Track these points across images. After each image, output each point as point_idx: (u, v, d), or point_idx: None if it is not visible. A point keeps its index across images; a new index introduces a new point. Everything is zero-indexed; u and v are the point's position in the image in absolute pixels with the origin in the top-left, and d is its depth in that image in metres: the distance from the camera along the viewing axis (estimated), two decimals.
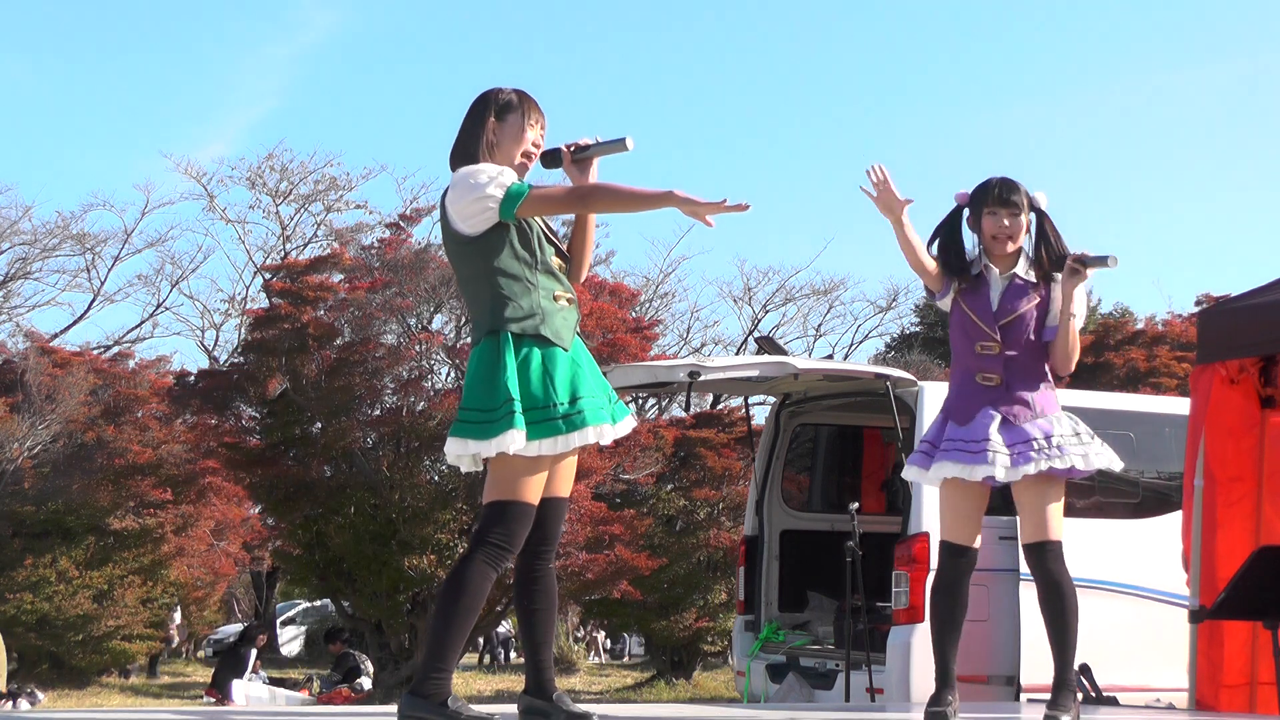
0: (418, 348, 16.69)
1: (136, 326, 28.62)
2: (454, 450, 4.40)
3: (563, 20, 49.60)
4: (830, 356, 29.47)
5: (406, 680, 16.27)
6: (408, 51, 50.54)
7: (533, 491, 4.47)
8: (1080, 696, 7.63)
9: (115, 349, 25.55)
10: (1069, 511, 8.93)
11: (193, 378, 19.52)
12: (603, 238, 28.00)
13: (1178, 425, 8.44)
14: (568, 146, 4.68)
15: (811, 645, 9.28)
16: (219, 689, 16.40)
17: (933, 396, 8.76)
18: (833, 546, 8.84)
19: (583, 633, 29.08)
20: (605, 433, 4.49)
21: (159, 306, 28.81)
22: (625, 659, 28.17)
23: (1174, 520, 8.43)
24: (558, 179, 4.75)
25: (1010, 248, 5.80)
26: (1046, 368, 5.82)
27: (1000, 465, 5.62)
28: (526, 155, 4.66)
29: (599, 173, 4.69)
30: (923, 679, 8.34)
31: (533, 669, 4.68)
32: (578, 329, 4.65)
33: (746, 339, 30.13)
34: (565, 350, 4.51)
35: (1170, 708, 7.86)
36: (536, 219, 4.57)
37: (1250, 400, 7.65)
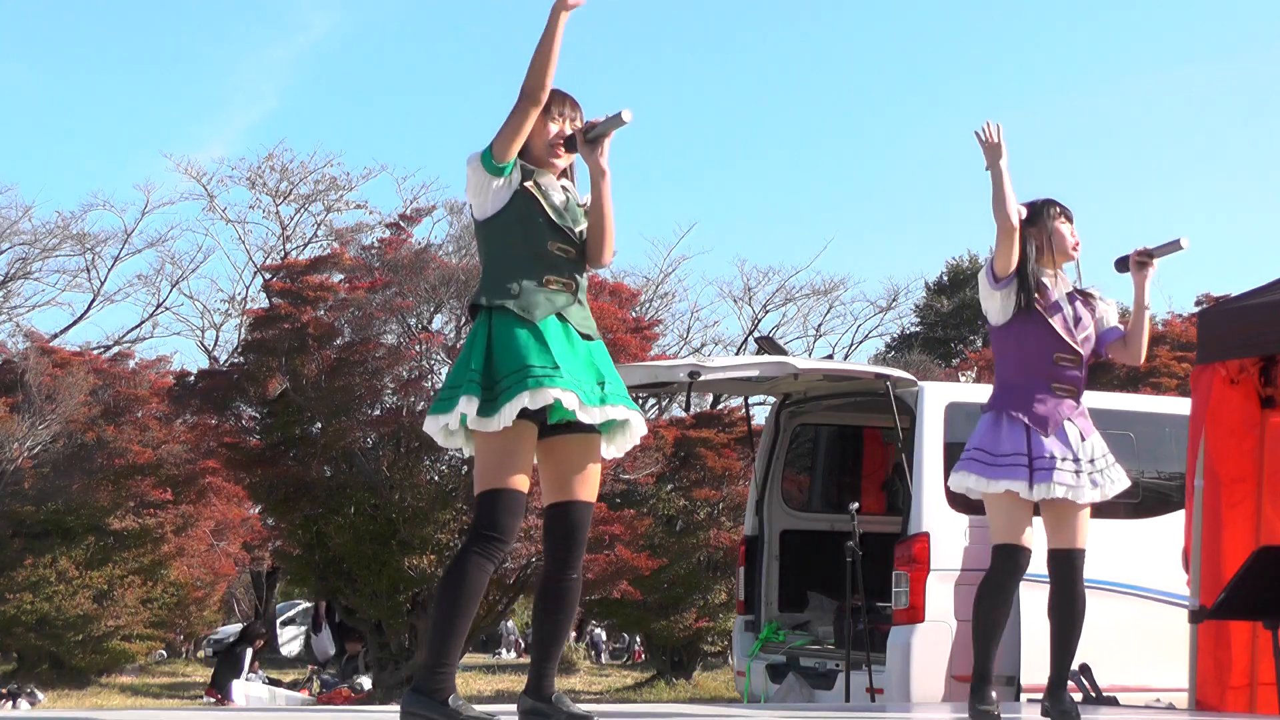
0: (418, 348, 16.68)
1: (136, 326, 28.63)
2: (427, 427, 4.53)
3: None
4: (830, 356, 29.46)
5: (407, 680, 16.26)
6: (407, 52, 50.58)
7: (512, 475, 4.47)
8: (1080, 697, 7.65)
9: (115, 349, 25.55)
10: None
11: (193, 378, 19.51)
12: None
13: (1178, 425, 8.45)
14: (578, 129, 4.75)
15: (811, 645, 9.28)
16: (219, 689, 16.41)
17: (933, 397, 8.77)
18: (833, 546, 8.85)
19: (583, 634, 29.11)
20: (569, 400, 4.42)
21: (159, 306, 28.82)
22: (624, 659, 28.15)
23: (1174, 520, 8.44)
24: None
25: (1073, 255, 6.11)
26: None
27: (1064, 484, 5.71)
28: (555, 148, 4.74)
29: (609, 151, 4.72)
30: (923, 679, 8.35)
31: (535, 671, 4.69)
32: (575, 315, 4.63)
33: (746, 339, 30.14)
34: (532, 323, 4.52)
35: (1170, 708, 7.86)
36: (544, 209, 4.63)
37: (1250, 400, 7.66)
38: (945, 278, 40.41)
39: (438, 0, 50.98)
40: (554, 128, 4.74)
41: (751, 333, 30.22)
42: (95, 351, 23.31)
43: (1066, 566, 5.81)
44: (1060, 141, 52.96)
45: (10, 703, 14.79)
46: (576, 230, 4.71)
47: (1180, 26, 53.50)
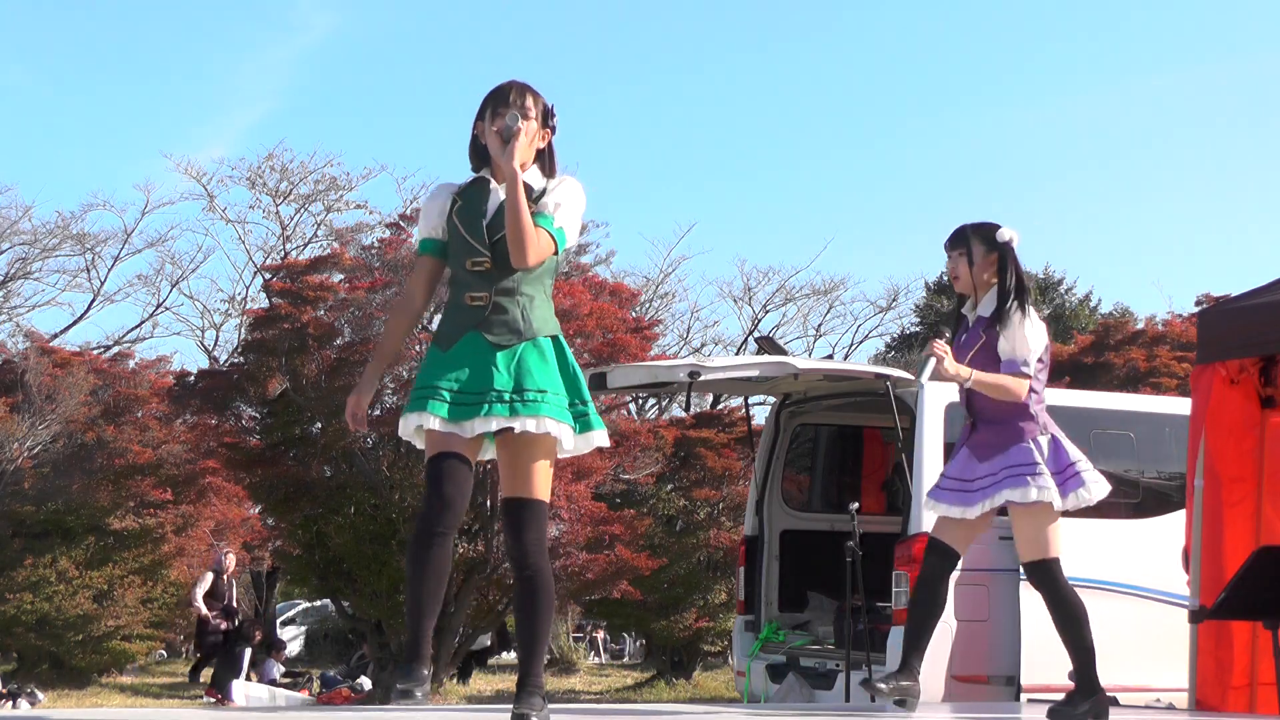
0: (418, 348, 16.68)
1: (136, 326, 28.65)
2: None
3: (563, 20, 49.63)
4: (830, 356, 29.46)
5: None
6: (407, 52, 50.57)
7: (429, 453, 4.65)
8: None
9: (115, 349, 25.56)
10: (1069, 511, 8.99)
11: (193, 378, 19.50)
12: (603, 238, 28.09)
13: (1178, 425, 8.44)
14: (493, 130, 4.72)
15: (811, 645, 9.28)
16: (219, 689, 16.40)
17: (933, 397, 8.76)
18: (833, 546, 8.84)
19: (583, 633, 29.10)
20: (431, 423, 4.59)
21: (159, 306, 28.84)
22: (625, 659, 28.14)
23: (1174, 520, 8.43)
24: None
25: (957, 286, 6.34)
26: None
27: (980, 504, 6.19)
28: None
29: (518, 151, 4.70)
30: (924, 679, 8.34)
31: (519, 671, 4.75)
32: (495, 324, 4.66)
33: (746, 339, 30.14)
34: (442, 350, 4.68)
35: (1170, 708, 7.86)
36: (460, 223, 4.73)
37: (1250, 400, 7.66)
38: (945, 278, 40.37)
39: (437, 1, 50.98)
40: (497, 126, 4.73)
41: (751, 333, 30.23)
42: (95, 351, 23.32)
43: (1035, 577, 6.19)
44: (1060, 141, 53.00)
45: (10, 703, 14.78)
46: (498, 237, 4.68)
47: (1181, 27, 53.53)
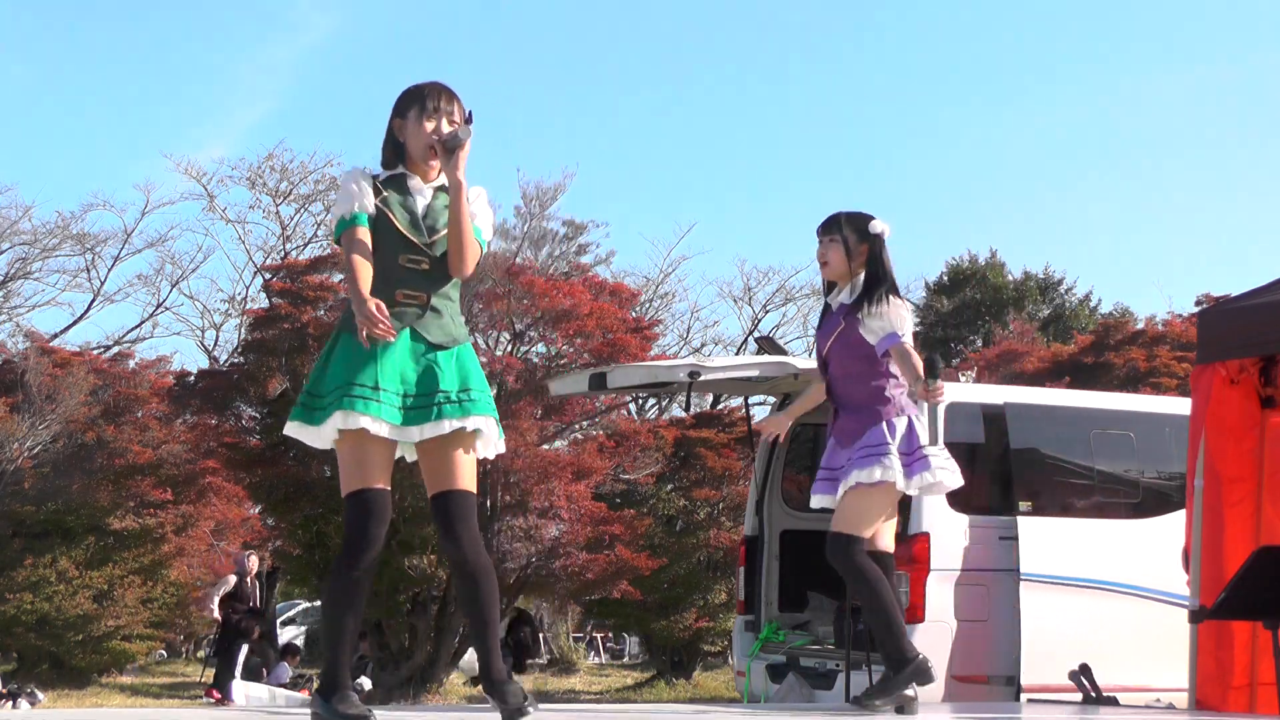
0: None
1: (136, 326, 28.63)
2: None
3: (562, 21, 49.64)
4: None
5: (407, 680, 16.28)
6: (406, 53, 50.55)
7: (355, 481, 4.55)
8: (1080, 697, 7.65)
9: (115, 349, 25.54)
10: (1069, 511, 9.00)
11: (193, 378, 19.50)
12: (602, 238, 28.07)
13: (1178, 425, 8.44)
14: (438, 139, 4.71)
15: (812, 645, 9.27)
16: (219, 689, 16.40)
17: None
18: None
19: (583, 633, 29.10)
20: (378, 429, 4.49)
21: (159, 306, 28.82)
22: (624, 659, 28.14)
23: (1174, 520, 8.43)
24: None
25: (825, 273, 6.29)
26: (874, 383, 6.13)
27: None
28: (430, 149, 4.72)
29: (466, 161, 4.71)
30: None
31: (479, 658, 4.73)
32: (430, 325, 4.64)
33: (746, 339, 30.14)
34: (370, 346, 4.52)
35: (1170, 708, 7.86)
36: (396, 219, 4.64)
37: (1250, 400, 7.65)
38: (945, 278, 40.42)
39: (435, 1, 50.98)
40: (430, 126, 4.72)
41: (751, 333, 30.22)
42: (95, 351, 23.31)
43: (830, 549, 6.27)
44: (1060, 141, 52.99)
45: (10, 702, 14.78)
46: (435, 239, 4.68)
47: (1182, 28, 53.54)
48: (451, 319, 4.70)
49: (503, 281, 16.64)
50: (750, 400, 12.10)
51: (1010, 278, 40.36)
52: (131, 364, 21.32)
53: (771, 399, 10.29)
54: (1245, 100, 51.31)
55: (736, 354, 28.14)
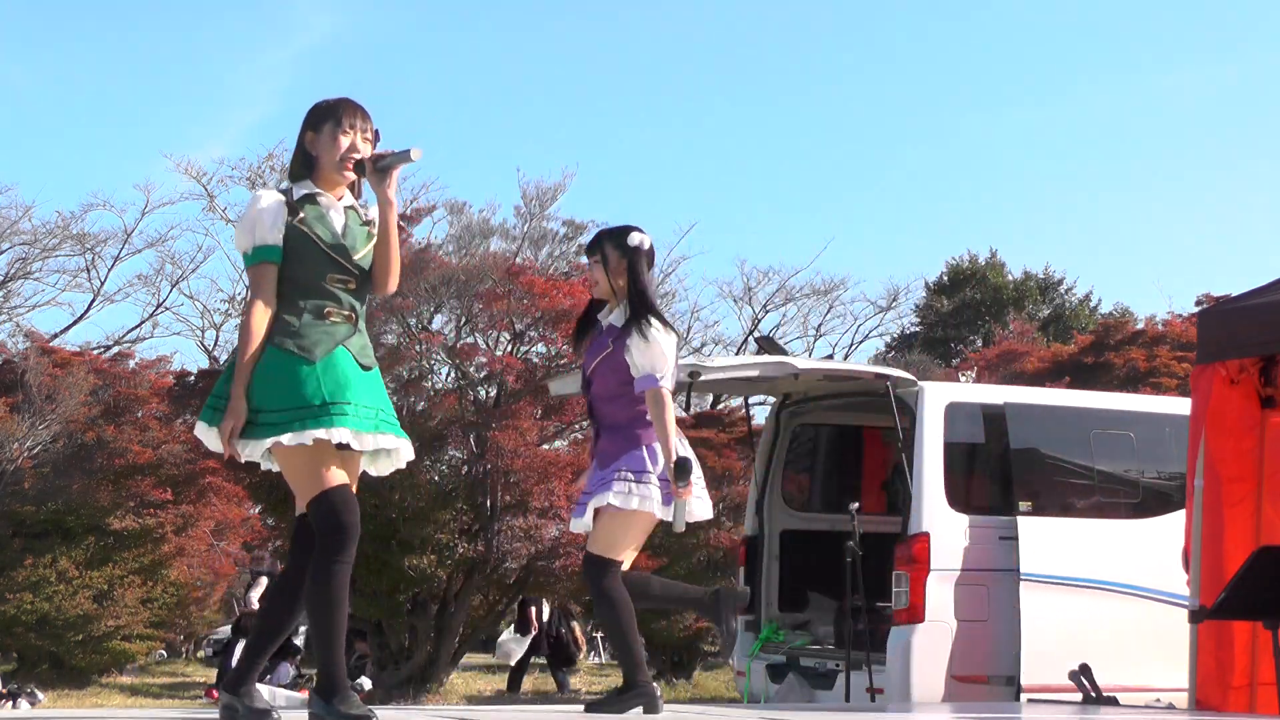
0: (418, 348, 16.69)
1: (136, 326, 28.64)
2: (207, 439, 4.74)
3: (562, 20, 49.63)
4: (830, 356, 29.44)
5: (407, 680, 16.28)
6: (405, 54, 50.56)
7: (319, 484, 4.60)
8: (1080, 697, 7.66)
9: (115, 349, 25.54)
10: (1069, 511, 9.01)
11: (193, 378, 19.48)
12: None
13: (1178, 425, 8.45)
14: (369, 157, 4.75)
15: (812, 645, 9.28)
16: (219, 688, 16.39)
17: (933, 397, 8.78)
18: (833, 546, 8.84)
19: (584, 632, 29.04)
20: (343, 436, 4.54)
21: (159, 306, 28.83)
22: (592, 661, 28.13)
23: (1174, 520, 8.44)
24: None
25: (593, 293, 6.16)
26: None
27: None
28: (345, 163, 4.74)
29: (397, 182, 4.77)
30: (923, 679, 8.36)
31: (326, 672, 4.75)
32: (355, 345, 4.69)
33: (746, 339, 30.13)
34: (311, 363, 4.58)
35: (1170, 708, 7.86)
36: (320, 236, 4.66)
37: (1250, 400, 7.66)
38: (945, 278, 40.42)
39: (434, 2, 50.99)
40: (345, 141, 4.74)
41: (751, 333, 30.21)
42: (95, 351, 23.30)
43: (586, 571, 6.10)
44: (1061, 141, 53.00)
45: (10, 703, 14.78)
46: (356, 257, 4.72)
47: (1183, 27, 53.54)
48: (366, 338, 4.78)
49: (503, 281, 16.63)
50: (750, 400, 12.12)
51: (1010, 278, 40.37)
52: (131, 364, 21.30)
53: (771, 399, 10.29)
54: (1246, 100, 51.34)
55: (736, 354, 28.15)
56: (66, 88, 45.57)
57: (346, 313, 4.68)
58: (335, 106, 4.79)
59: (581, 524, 5.96)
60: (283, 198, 4.70)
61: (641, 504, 5.80)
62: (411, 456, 4.80)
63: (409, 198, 26.88)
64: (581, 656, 23.00)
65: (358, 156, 4.74)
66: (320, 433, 4.51)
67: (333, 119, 4.75)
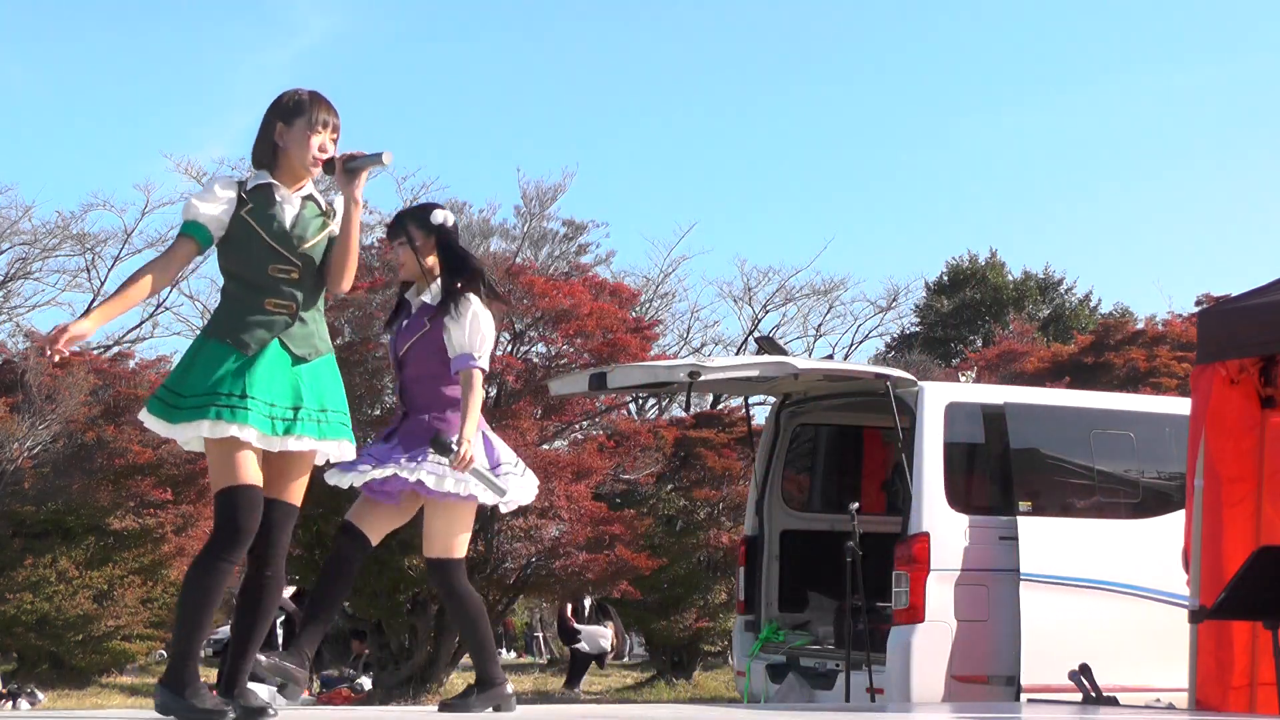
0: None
1: (136, 326, 28.58)
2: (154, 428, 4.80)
3: (562, 20, 49.63)
4: (830, 356, 29.42)
5: (407, 680, 16.28)
6: (405, 54, 50.56)
7: (226, 479, 4.66)
8: (1080, 697, 7.65)
9: (115, 349, 25.50)
10: (1069, 511, 9.01)
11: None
12: (603, 238, 28.02)
13: (1178, 425, 8.45)
14: (339, 157, 4.80)
15: (812, 645, 9.29)
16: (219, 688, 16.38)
17: (933, 397, 8.78)
18: (833, 546, 8.85)
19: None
20: (247, 435, 4.58)
21: (159, 306, 28.73)
22: (624, 659, 28.13)
23: (1174, 520, 8.44)
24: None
25: (402, 274, 6.05)
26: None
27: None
28: (314, 159, 4.78)
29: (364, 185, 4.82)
30: (923, 679, 8.37)
31: (230, 668, 4.96)
32: (296, 336, 4.72)
33: (746, 339, 30.11)
34: (245, 354, 4.62)
35: (1170, 708, 7.86)
36: (263, 229, 4.70)
37: (1250, 400, 7.66)
38: (945, 278, 40.42)
39: (434, 2, 50.98)
40: (316, 140, 4.78)
41: (751, 333, 30.19)
42: (95, 351, 23.27)
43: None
44: (1060, 140, 53.00)
45: (10, 703, 14.79)
46: (303, 248, 4.75)
47: (1183, 26, 53.53)
48: (316, 330, 4.80)
49: (503, 281, 16.63)
50: (750, 400, 12.12)
51: (1010, 278, 40.37)
52: (131, 364, 21.29)
53: (771, 399, 10.29)
54: (1246, 100, 51.33)
55: (736, 354, 28.15)
56: (66, 88, 45.58)
57: (286, 303, 4.70)
58: (307, 103, 4.81)
59: (345, 479, 5.75)
60: (234, 191, 4.75)
61: (456, 486, 5.68)
62: (349, 456, 4.87)
63: (408, 198, 26.98)
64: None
65: (326, 156, 4.78)
66: (233, 428, 4.55)
67: (304, 116, 4.78)
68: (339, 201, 4.87)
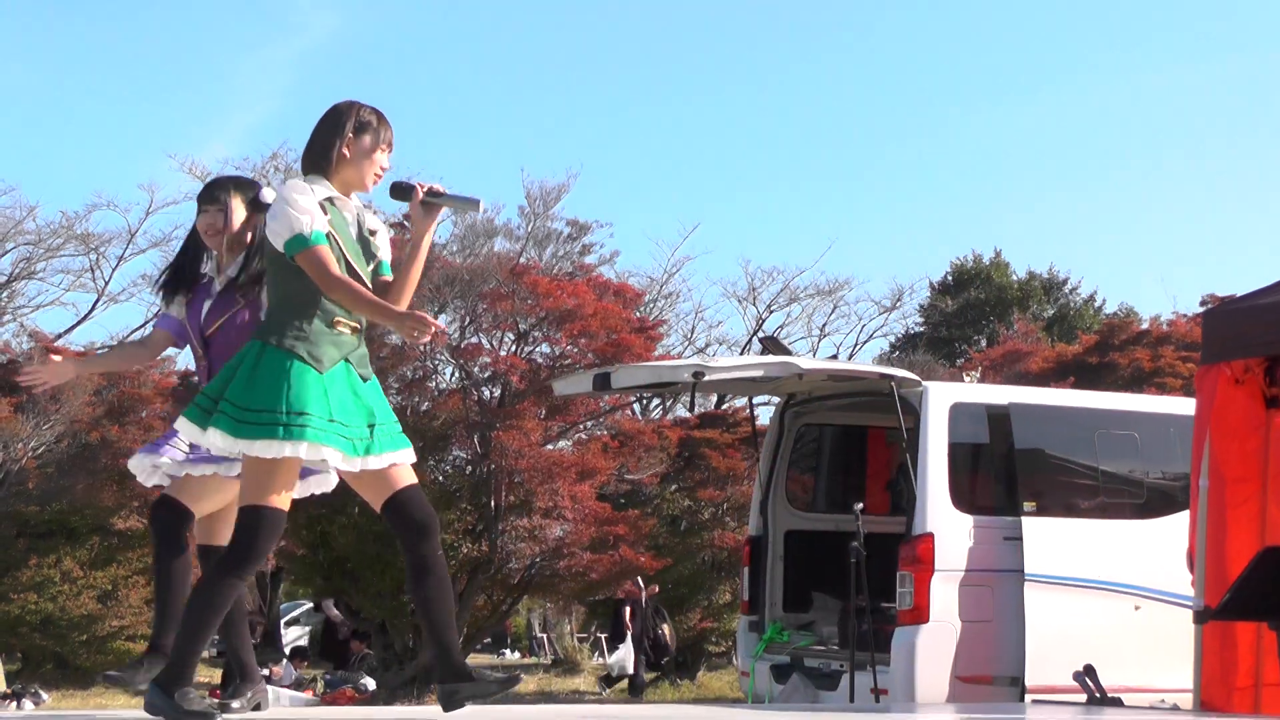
0: (422, 348, 16.69)
1: (140, 327, 28.50)
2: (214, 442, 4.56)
3: (565, 20, 49.65)
4: (834, 356, 29.47)
5: (411, 680, 16.28)
6: (408, 53, 50.59)
7: (266, 495, 4.55)
8: (1084, 698, 7.64)
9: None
10: (1074, 512, 9.00)
11: (196, 378, 19.44)
12: (607, 238, 28.03)
13: (1182, 425, 8.43)
14: (422, 185, 4.72)
15: (816, 646, 9.27)
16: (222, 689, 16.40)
17: (937, 397, 8.77)
18: (837, 547, 8.83)
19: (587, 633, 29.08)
20: (334, 458, 4.52)
21: (159, 311, 28.81)
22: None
23: (1179, 520, 8.42)
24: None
25: (210, 243, 5.60)
26: None
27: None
28: (375, 177, 4.73)
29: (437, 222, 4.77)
30: (928, 679, 8.35)
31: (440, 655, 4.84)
32: (357, 357, 4.68)
33: (751, 339, 30.10)
34: (319, 372, 4.54)
35: (1175, 709, 7.85)
36: (344, 245, 4.61)
37: (1255, 400, 7.64)
38: (950, 278, 40.41)
39: (438, 1, 51.01)
40: (380, 159, 4.72)
41: (756, 333, 30.19)
42: (99, 352, 23.31)
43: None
44: (1065, 140, 53.00)
45: (15, 703, 14.80)
46: (369, 268, 4.72)
47: (1187, 24, 53.51)
48: (365, 348, 4.76)
49: (507, 282, 16.64)
50: (755, 400, 12.11)
51: (1015, 278, 40.37)
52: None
53: (776, 399, 10.28)
54: (1251, 99, 51.31)
55: (741, 354, 28.14)
56: (70, 88, 45.63)
57: (354, 324, 4.64)
58: (375, 119, 4.73)
59: (197, 470, 5.41)
60: (314, 195, 4.62)
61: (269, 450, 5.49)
62: (412, 460, 4.80)
63: None
64: (583, 658, 22.99)
65: (383, 172, 4.74)
66: (325, 450, 4.47)
67: (374, 133, 4.71)
68: (370, 219, 4.77)
